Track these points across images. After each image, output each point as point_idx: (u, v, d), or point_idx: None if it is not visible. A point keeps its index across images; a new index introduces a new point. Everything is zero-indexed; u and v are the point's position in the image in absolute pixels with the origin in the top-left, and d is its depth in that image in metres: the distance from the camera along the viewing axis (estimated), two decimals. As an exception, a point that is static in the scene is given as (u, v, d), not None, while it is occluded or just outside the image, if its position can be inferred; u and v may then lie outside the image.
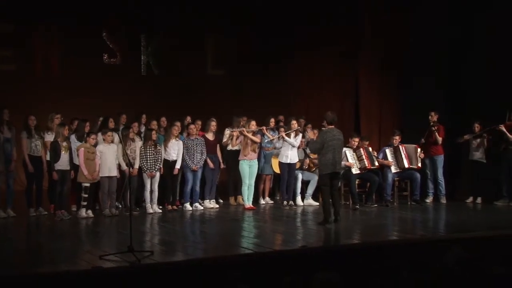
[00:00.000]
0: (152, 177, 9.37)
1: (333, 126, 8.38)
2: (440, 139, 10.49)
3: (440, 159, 10.60)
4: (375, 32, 12.91)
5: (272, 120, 10.57)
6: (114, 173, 9.09)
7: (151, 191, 9.41)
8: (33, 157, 9.05)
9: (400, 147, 10.38)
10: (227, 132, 10.23)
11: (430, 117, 10.58)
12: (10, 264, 5.96)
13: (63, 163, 8.80)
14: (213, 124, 10.05)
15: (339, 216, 8.20)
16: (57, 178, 8.80)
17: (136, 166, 9.27)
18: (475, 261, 4.36)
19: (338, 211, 8.23)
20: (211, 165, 9.94)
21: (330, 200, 8.24)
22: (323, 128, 9.25)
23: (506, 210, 9.64)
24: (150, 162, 9.32)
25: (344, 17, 13.06)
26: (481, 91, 10.76)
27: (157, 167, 9.38)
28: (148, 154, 9.32)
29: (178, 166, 9.64)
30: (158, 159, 9.41)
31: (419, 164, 10.39)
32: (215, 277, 5.41)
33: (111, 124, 9.63)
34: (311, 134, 10.42)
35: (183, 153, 9.67)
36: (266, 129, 10.16)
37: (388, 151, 10.43)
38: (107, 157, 9.02)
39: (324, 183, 8.27)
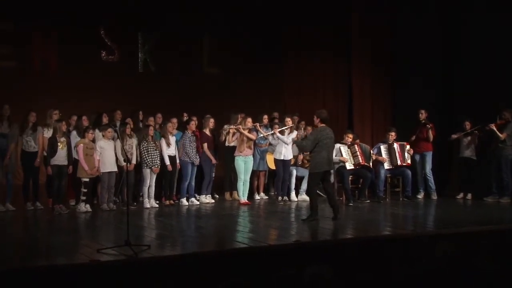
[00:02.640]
0: (156, 172, 9.47)
1: (325, 125, 8.34)
2: (431, 136, 10.66)
3: (430, 156, 10.76)
4: (363, 32, 13.06)
5: (265, 117, 10.70)
6: (114, 168, 9.21)
7: (149, 186, 9.52)
8: (25, 153, 9.12)
9: (395, 144, 10.51)
10: (225, 128, 10.34)
11: (420, 114, 10.74)
12: (8, 257, 6.00)
13: (60, 158, 8.87)
14: (211, 120, 10.18)
15: (338, 214, 8.16)
16: (53, 173, 8.87)
17: (134, 161, 9.37)
18: (465, 256, 4.47)
19: (337, 209, 8.19)
20: (213, 160, 10.07)
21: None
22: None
23: (495, 206, 9.80)
24: (153, 158, 9.43)
25: (335, 17, 13.17)
26: (472, 90, 10.91)
27: (158, 162, 9.49)
28: (150, 150, 9.42)
29: (178, 160, 9.79)
30: (158, 154, 9.51)
31: (409, 161, 10.53)
32: (211, 271, 5.53)
33: (105, 120, 9.73)
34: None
35: (186, 148, 9.78)
36: (260, 126, 10.27)
37: (382, 148, 10.55)
38: (108, 153, 9.14)
39: (316, 182, 8.25)
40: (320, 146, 8.10)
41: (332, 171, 10.31)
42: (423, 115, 10.73)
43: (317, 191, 10.79)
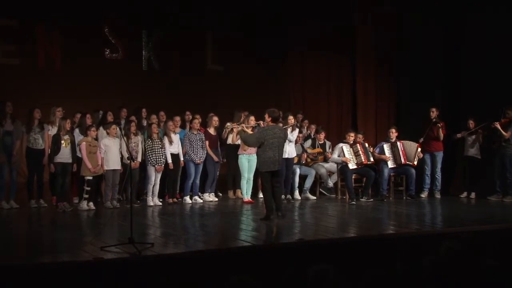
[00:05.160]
0: (160, 171, 9.48)
1: (275, 124, 8.29)
2: (442, 135, 10.62)
3: (440, 155, 10.72)
4: (368, 29, 13.08)
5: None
6: (118, 166, 9.22)
7: (153, 184, 9.53)
8: (32, 150, 9.12)
9: (398, 143, 10.48)
10: (228, 126, 10.34)
11: (431, 113, 10.66)
12: (12, 254, 6.04)
13: (64, 156, 8.89)
14: (215, 119, 10.18)
15: (281, 212, 8.16)
16: (57, 170, 8.89)
17: (139, 159, 9.38)
18: (468, 255, 4.46)
19: (280, 208, 8.20)
20: (215, 158, 10.07)
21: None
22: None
23: (499, 205, 9.81)
24: (158, 156, 9.44)
25: (339, 14, 13.19)
26: (476, 88, 10.90)
27: (163, 160, 9.51)
28: (155, 148, 9.43)
29: (182, 158, 9.80)
30: (164, 152, 9.53)
31: (415, 162, 10.49)
32: (214, 269, 5.54)
33: (110, 118, 9.74)
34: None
35: (187, 147, 9.79)
36: (264, 124, 10.25)
37: (385, 146, 10.51)
38: (112, 150, 9.15)
39: (265, 181, 8.20)
40: (265, 145, 8.03)
41: (337, 167, 10.39)
42: (434, 113, 10.63)
43: (321, 190, 10.93)
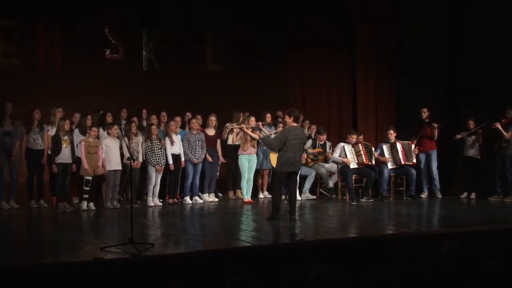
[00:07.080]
0: (160, 171, 9.48)
1: (296, 124, 8.28)
2: (436, 135, 10.64)
3: (435, 154, 10.74)
4: (368, 28, 13.10)
5: (269, 115, 10.64)
6: (119, 166, 9.21)
7: (154, 185, 9.53)
8: (32, 150, 9.11)
9: (397, 143, 10.48)
10: (228, 126, 10.34)
11: (422, 113, 10.71)
12: (12, 254, 6.04)
13: (64, 157, 8.89)
14: (213, 119, 10.17)
15: (294, 215, 8.06)
16: (58, 171, 8.89)
17: (140, 159, 9.37)
18: (469, 255, 4.46)
19: (293, 211, 8.10)
20: (210, 159, 10.06)
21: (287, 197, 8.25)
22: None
23: (499, 205, 9.80)
24: (158, 157, 9.44)
25: (339, 13, 13.20)
26: (476, 88, 10.90)
27: (163, 161, 9.51)
28: (155, 148, 9.43)
29: (183, 159, 9.80)
30: (163, 153, 9.53)
31: (414, 160, 10.50)
32: (214, 269, 5.54)
33: (109, 118, 9.74)
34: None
35: (185, 147, 9.80)
36: (263, 124, 10.24)
37: (385, 147, 10.51)
38: (113, 151, 9.14)
39: (279, 182, 8.18)
40: (287, 146, 7.96)
41: (338, 167, 10.38)
42: (425, 113, 10.69)
43: (321, 190, 10.92)
